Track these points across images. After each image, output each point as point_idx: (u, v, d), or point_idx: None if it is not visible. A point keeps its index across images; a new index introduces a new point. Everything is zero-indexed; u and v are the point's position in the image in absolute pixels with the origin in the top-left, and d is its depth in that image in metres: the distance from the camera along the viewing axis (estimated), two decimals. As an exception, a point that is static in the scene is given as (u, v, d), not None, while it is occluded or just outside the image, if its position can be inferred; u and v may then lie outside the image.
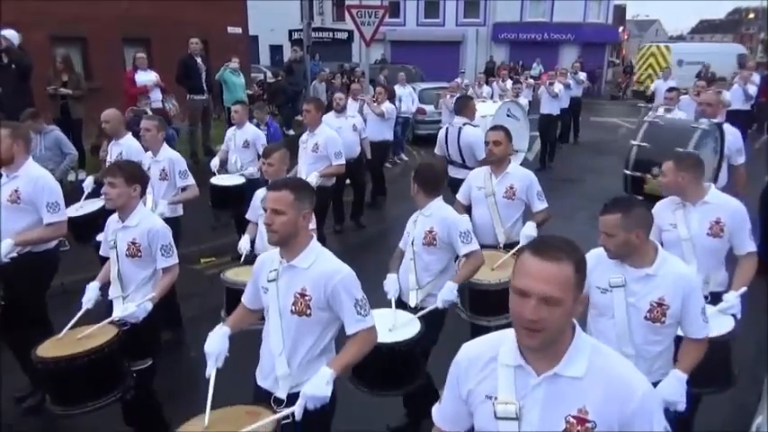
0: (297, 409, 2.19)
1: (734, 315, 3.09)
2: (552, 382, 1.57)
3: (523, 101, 10.30)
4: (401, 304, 3.55)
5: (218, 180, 6.18)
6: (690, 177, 3.30)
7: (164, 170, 4.94)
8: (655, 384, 2.38)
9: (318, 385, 2.22)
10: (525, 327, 1.52)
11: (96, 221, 3.75)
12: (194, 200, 5.15)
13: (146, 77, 9.43)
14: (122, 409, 3.33)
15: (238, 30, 16.10)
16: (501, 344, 1.68)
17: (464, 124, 6.07)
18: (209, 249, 7.01)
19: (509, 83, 13.18)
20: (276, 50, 29.23)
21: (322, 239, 4.37)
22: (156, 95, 9.41)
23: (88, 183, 5.36)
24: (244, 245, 4.31)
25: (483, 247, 3.71)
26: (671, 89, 8.22)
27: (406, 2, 29.89)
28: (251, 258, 3.61)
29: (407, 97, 12.05)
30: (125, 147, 5.29)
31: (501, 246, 4.18)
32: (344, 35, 26.52)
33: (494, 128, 4.38)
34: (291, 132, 13.01)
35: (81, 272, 4.92)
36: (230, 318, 2.69)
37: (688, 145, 5.26)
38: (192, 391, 3.95)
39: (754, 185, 6.18)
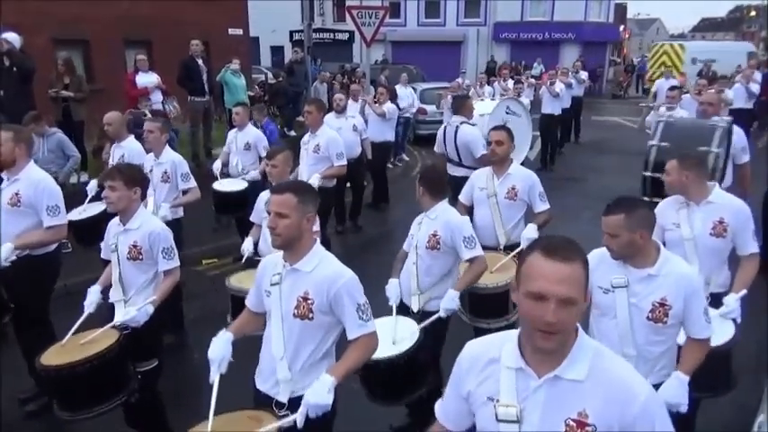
0: (299, 417, 2.19)
1: (734, 319, 3.07)
2: (553, 385, 1.57)
3: (525, 101, 10.28)
4: (404, 307, 3.54)
5: (221, 186, 6.12)
6: (694, 176, 3.29)
7: (165, 172, 4.94)
8: (657, 386, 2.39)
9: (320, 393, 2.21)
10: (542, 330, 1.50)
11: (99, 225, 3.76)
12: (196, 202, 5.15)
13: (147, 79, 9.44)
14: (124, 411, 3.32)
15: (239, 31, 16.11)
16: (503, 345, 1.67)
17: (461, 123, 6.16)
18: (210, 251, 7.02)
19: (510, 82, 13.16)
20: (277, 51, 29.24)
21: (326, 241, 4.39)
22: (157, 97, 9.41)
23: (92, 186, 5.37)
24: (247, 247, 4.30)
25: (483, 248, 3.70)
26: (672, 88, 8.20)
27: (406, 2, 29.89)
28: (254, 261, 3.61)
29: (408, 97, 12.05)
30: (126, 149, 5.29)
31: (501, 247, 4.17)
32: (345, 36, 26.55)
33: (496, 127, 4.37)
34: (293, 133, 13.02)
35: (84, 274, 4.94)
36: (234, 323, 2.69)
37: (711, 143, 5.21)
38: (195, 394, 3.95)
39: (757, 184, 6.16)
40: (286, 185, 2.51)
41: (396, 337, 3.13)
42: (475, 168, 6.11)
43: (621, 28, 39.77)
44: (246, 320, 2.69)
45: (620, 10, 43.21)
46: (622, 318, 2.53)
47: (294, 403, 2.30)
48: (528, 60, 25.79)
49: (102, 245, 3.64)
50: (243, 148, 6.53)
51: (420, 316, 3.41)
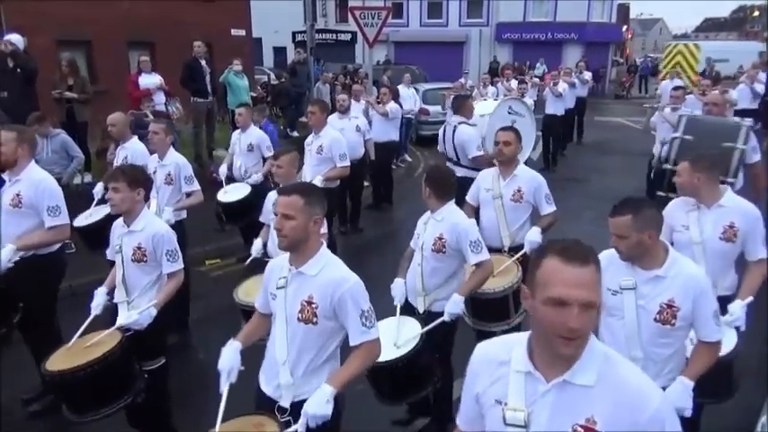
0: (300, 429, 2.21)
1: (737, 328, 3.03)
2: (561, 390, 1.55)
3: (529, 101, 10.26)
4: (410, 307, 3.54)
5: (225, 196, 6.05)
6: (705, 179, 3.24)
7: (169, 174, 4.93)
8: (664, 389, 2.37)
9: (319, 404, 2.21)
10: (564, 336, 1.47)
11: (106, 228, 3.75)
12: (199, 204, 5.14)
13: (149, 80, 9.45)
14: (127, 411, 3.32)
15: (242, 32, 16.15)
16: (513, 348, 1.65)
17: (459, 123, 6.22)
18: (213, 251, 7.03)
19: (513, 83, 13.15)
20: (279, 52, 29.26)
21: (332, 242, 4.39)
22: (160, 98, 9.43)
23: (98, 189, 5.31)
24: (256, 248, 4.30)
25: (488, 249, 3.68)
26: (676, 88, 8.18)
27: (409, 2, 29.89)
28: (262, 262, 3.61)
29: (410, 98, 12.05)
30: (130, 150, 5.29)
31: (506, 249, 4.15)
32: (348, 36, 26.55)
33: (504, 128, 4.35)
34: (296, 134, 13.03)
35: (89, 275, 4.95)
36: (242, 332, 2.68)
37: (737, 139, 5.16)
38: (199, 394, 3.96)
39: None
40: (293, 187, 2.50)
41: (398, 340, 3.12)
42: (473, 168, 6.18)
43: (624, 28, 39.76)
44: (256, 325, 2.68)
45: (623, 10, 43.19)
46: (630, 319, 2.51)
47: (296, 408, 2.30)
48: (531, 61, 25.76)
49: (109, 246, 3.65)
50: (246, 150, 6.51)
51: (425, 316, 3.40)
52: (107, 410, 3.02)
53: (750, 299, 3.14)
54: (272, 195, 4.27)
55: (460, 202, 4.63)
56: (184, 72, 10.06)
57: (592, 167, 11.89)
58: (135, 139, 5.44)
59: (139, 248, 3.33)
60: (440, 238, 3.43)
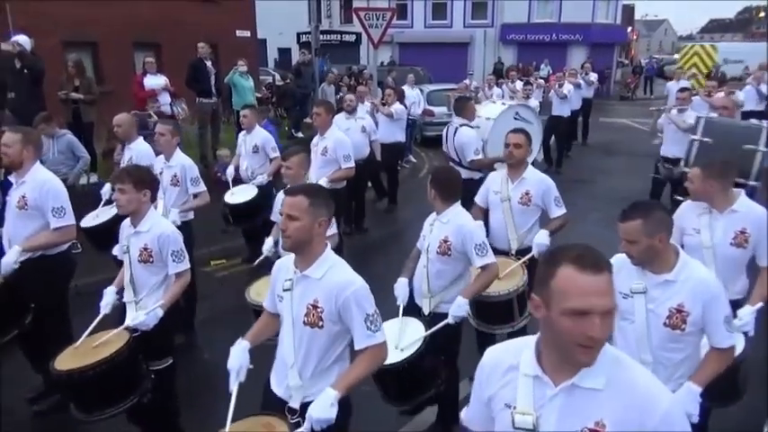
0: None
1: (745, 333, 3.01)
2: (569, 394, 1.55)
3: (534, 102, 10.24)
4: (415, 307, 3.54)
5: (232, 198, 6.04)
6: (718, 185, 3.21)
7: (175, 176, 4.93)
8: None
9: (323, 407, 2.21)
10: (584, 344, 1.46)
11: (113, 229, 3.76)
12: (205, 205, 5.15)
13: (155, 81, 9.49)
14: (130, 409, 3.31)
15: (247, 33, 16.19)
16: (522, 352, 1.65)
17: (461, 125, 6.29)
18: (219, 251, 7.04)
19: (519, 84, 13.12)
20: (284, 53, 29.31)
21: (340, 242, 4.39)
22: (165, 99, 9.46)
23: (106, 189, 5.33)
24: (267, 247, 4.30)
25: (495, 251, 3.67)
26: (682, 89, 8.13)
27: (413, 3, 29.88)
28: (270, 263, 3.61)
29: (414, 99, 12.05)
30: (135, 151, 5.30)
31: (513, 252, 4.14)
32: (352, 38, 26.54)
33: (515, 130, 4.33)
34: (300, 135, 13.05)
35: (95, 275, 4.96)
36: (251, 331, 2.67)
37: (759, 141, 5.15)
38: (205, 394, 3.97)
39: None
40: (300, 188, 2.49)
41: (401, 342, 3.12)
42: (475, 170, 6.20)
43: (629, 29, 39.64)
44: (265, 324, 2.68)
45: (628, 11, 43.11)
46: (639, 323, 2.49)
47: (306, 409, 2.30)
48: (536, 62, 25.70)
49: (117, 246, 3.66)
50: (251, 151, 6.51)
51: (430, 318, 3.40)
52: (113, 410, 3.04)
53: (760, 304, 3.12)
54: (281, 195, 4.26)
55: (464, 204, 4.64)
56: (189, 73, 10.10)
57: (597, 169, 11.87)
58: (140, 139, 5.45)
59: (146, 249, 3.34)
60: (445, 241, 3.42)
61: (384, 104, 9.20)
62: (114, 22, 11.89)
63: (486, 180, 4.46)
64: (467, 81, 15.18)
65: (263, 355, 2.64)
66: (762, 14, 67.45)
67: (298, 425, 2.29)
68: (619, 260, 2.54)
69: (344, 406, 2.31)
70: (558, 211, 4.17)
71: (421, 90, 13.32)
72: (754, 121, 5.44)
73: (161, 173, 4.86)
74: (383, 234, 8.13)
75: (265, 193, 5.96)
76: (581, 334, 1.45)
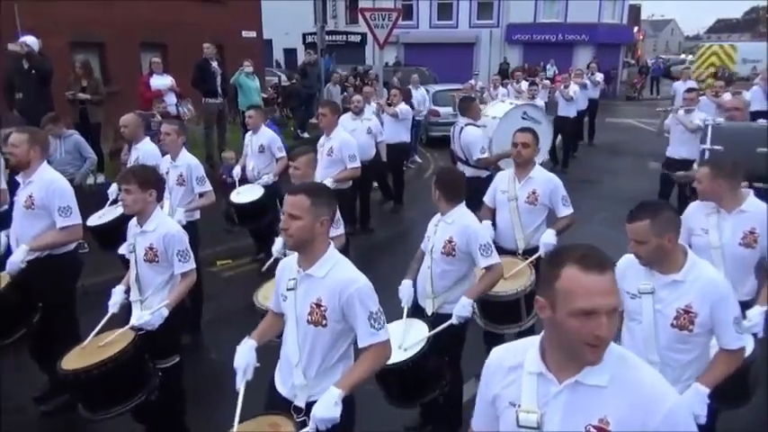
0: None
1: (755, 334, 2.98)
2: (574, 391, 1.56)
3: (540, 102, 10.21)
4: (419, 308, 3.54)
5: (238, 197, 6.05)
6: (727, 185, 3.20)
7: (181, 175, 4.95)
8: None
9: (327, 407, 2.21)
10: (591, 343, 1.48)
11: (119, 228, 3.77)
12: (211, 205, 5.16)
13: (161, 81, 9.53)
14: (136, 407, 3.32)
15: (252, 33, 16.23)
16: (527, 350, 1.66)
17: (467, 124, 6.38)
18: (225, 251, 7.05)
19: (524, 84, 13.09)
20: (290, 54, 29.38)
21: (346, 242, 4.38)
22: (171, 99, 9.50)
23: (113, 189, 5.34)
24: (277, 248, 4.30)
25: (502, 251, 3.66)
26: (690, 90, 8.09)
27: (419, 4, 29.88)
28: (276, 265, 3.62)
29: (420, 99, 12.05)
30: (141, 151, 5.33)
31: (520, 251, 4.13)
32: (358, 38, 26.63)
33: (522, 129, 4.33)
34: (306, 135, 13.06)
35: (102, 274, 4.99)
36: (256, 330, 2.68)
37: None
38: (212, 393, 3.98)
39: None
40: (302, 187, 2.49)
41: (405, 342, 3.11)
42: (482, 168, 6.22)
43: (636, 29, 39.53)
44: (270, 323, 2.69)
45: (635, 11, 42.91)
46: (647, 324, 2.48)
47: (311, 407, 2.30)
48: (542, 62, 25.65)
49: (125, 246, 3.67)
50: (257, 151, 6.51)
51: (434, 319, 3.38)
52: (120, 408, 3.05)
53: None
54: None
55: (471, 202, 4.63)
56: (195, 73, 10.14)
57: (604, 169, 11.83)
58: (147, 140, 5.48)
59: (151, 249, 3.36)
60: (450, 242, 3.41)
61: (389, 104, 9.19)
62: (121, 22, 11.95)
63: (494, 180, 4.45)
64: (472, 81, 15.17)
65: (270, 354, 2.64)
66: (769, 15, 66.95)
67: (304, 424, 2.29)
68: (626, 260, 2.53)
69: (348, 405, 2.31)
70: (565, 210, 4.16)
71: (427, 90, 13.32)
72: (762, 121, 5.37)
73: (167, 172, 4.89)
74: (389, 234, 8.13)
75: (271, 193, 5.96)
76: (589, 333, 1.47)
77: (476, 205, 4.42)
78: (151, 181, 3.40)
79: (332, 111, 6.24)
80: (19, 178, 3.88)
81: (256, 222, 6.16)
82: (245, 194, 6.07)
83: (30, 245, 3.66)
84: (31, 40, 7.93)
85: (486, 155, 6.21)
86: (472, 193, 4.63)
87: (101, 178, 8.36)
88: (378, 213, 8.64)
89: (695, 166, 7.13)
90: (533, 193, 4.14)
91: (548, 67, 24.80)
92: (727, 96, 8.87)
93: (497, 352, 1.77)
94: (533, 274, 3.74)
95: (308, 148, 4.75)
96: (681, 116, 7.14)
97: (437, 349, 3.16)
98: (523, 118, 7.40)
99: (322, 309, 2.35)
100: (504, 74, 19.65)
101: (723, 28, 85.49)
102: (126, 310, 3.45)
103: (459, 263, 3.46)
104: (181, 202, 4.94)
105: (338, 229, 4.09)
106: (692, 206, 3.41)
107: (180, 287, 3.40)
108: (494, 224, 4.28)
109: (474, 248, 3.37)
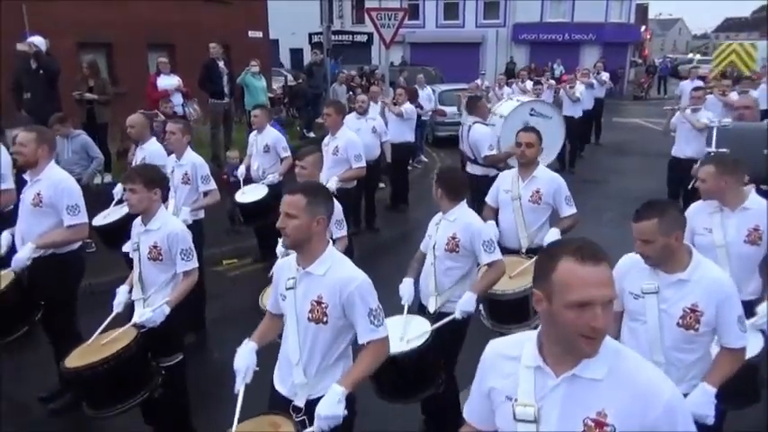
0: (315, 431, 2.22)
1: (763, 331, 2.96)
2: (571, 384, 1.56)
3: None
4: (421, 307, 3.53)
5: (243, 197, 6.08)
6: (732, 182, 3.18)
7: (186, 174, 4.97)
8: (686, 395, 2.32)
9: (330, 404, 2.22)
10: (587, 335, 1.49)
11: (124, 228, 3.79)
12: (215, 204, 5.18)
13: (168, 82, 9.56)
14: (144, 407, 3.35)
15: (259, 34, 16.27)
16: (524, 344, 1.66)
17: (474, 123, 6.44)
18: (230, 251, 7.07)
19: (529, 84, 13.06)
20: (296, 53, 29.43)
21: (350, 244, 4.38)
22: (178, 100, 9.53)
23: (118, 189, 5.38)
24: (281, 250, 4.30)
25: (505, 251, 3.66)
26: (697, 89, 8.04)
27: (425, 3, 29.86)
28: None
29: (426, 98, 12.05)
30: (147, 151, 5.35)
31: (523, 251, 4.12)
32: (364, 38, 26.58)
33: (526, 129, 4.32)
34: (312, 135, 13.08)
35: (108, 274, 5.02)
36: (256, 332, 2.68)
37: None
38: (216, 393, 3.99)
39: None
40: (299, 186, 2.51)
41: (406, 335, 3.10)
42: (491, 167, 6.23)
43: (643, 28, 39.31)
44: (268, 326, 2.70)
45: (642, 10, 42.77)
46: (652, 324, 2.47)
47: (311, 407, 2.31)
48: (549, 62, 25.54)
49: (129, 246, 3.69)
50: (262, 151, 6.53)
51: (436, 317, 3.38)
52: (123, 406, 3.07)
53: None
54: None
55: (478, 200, 4.62)
56: (202, 73, 10.17)
57: (610, 168, 11.79)
58: (153, 140, 5.51)
59: (155, 247, 3.38)
60: (453, 238, 3.42)
61: (395, 104, 9.19)
62: (128, 23, 12.00)
63: (497, 179, 4.45)
64: (478, 81, 15.13)
65: (271, 354, 2.64)
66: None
67: (303, 423, 2.30)
68: (628, 260, 2.52)
69: (350, 403, 2.31)
70: (568, 210, 4.15)
71: (433, 90, 13.31)
72: None
73: (172, 171, 4.91)
74: (394, 234, 8.13)
75: (276, 193, 5.97)
76: (584, 325, 1.48)
77: (484, 204, 4.43)
78: (156, 180, 3.43)
79: (337, 110, 6.25)
80: (26, 176, 3.91)
81: (261, 221, 6.17)
82: (249, 194, 6.08)
83: (36, 242, 3.69)
84: (38, 41, 7.97)
85: (494, 152, 6.22)
86: (481, 192, 4.64)
87: (108, 178, 8.39)
88: (383, 213, 8.64)
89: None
90: (537, 192, 4.13)
91: (554, 66, 24.68)
92: (734, 95, 8.82)
93: (494, 345, 1.78)
94: None
95: (315, 147, 4.75)
96: (688, 115, 7.11)
97: (439, 343, 3.15)
98: (531, 114, 7.35)
99: (323, 306, 2.36)
100: (511, 73, 19.64)
101: (731, 27, 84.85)
102: (129, 309, 3.47)
103: (463, 260, 3.47)
104: (186, 201, 4.96)
105: (341, 231, 4.10)
106: (695, 206, 3.39)
107: (182, 286, 3.42)
108: (496, 224, 4.28)
109: (477, 245, 3.38)
